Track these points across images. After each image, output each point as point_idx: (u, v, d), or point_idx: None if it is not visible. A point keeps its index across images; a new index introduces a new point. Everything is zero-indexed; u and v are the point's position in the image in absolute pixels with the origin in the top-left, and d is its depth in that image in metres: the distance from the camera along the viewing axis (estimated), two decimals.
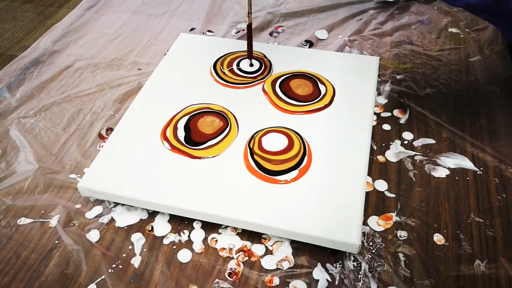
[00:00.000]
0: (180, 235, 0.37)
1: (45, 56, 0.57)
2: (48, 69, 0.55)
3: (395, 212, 0.38)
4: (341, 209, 0.36)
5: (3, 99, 0.50)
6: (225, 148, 0.41)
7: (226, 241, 0.37)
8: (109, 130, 0.46)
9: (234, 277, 0.34)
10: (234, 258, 0.35)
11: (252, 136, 0.42)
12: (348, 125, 0.43)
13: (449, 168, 0.41)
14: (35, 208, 0.39)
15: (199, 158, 0.41)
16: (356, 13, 0.61)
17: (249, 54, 0.50)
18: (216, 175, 0.39)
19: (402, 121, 0.46)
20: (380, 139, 0.44)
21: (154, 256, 0.36)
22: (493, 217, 0.37)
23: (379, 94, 0.49)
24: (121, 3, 0.67)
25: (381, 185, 0.40)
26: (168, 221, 0.38)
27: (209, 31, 0.60)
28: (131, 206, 0.39)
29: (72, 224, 0.38)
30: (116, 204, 0.40)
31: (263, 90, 0.48)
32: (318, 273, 0.34)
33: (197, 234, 0.37)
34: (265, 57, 0.52)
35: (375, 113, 0.46)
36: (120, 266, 0.35)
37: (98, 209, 0.39)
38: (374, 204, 0.39)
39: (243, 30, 0.60)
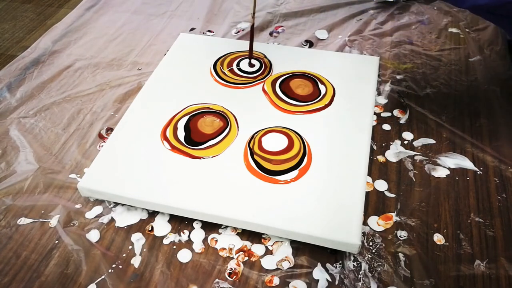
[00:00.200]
0: (180, 235, 0.37)
1: (45, 56, 0.57)
2: (48, 69, 0.55)
3: (395, 212, 0.38)
4: (341, 209, 0.36)
5: (3, 99, 0.50)
6: (225, 148, 0.41)
7: (226, 241, 0.37)
8: (109, 130, 0.46)
9: (234, 277, 0.34)
10: (234, 258, 0.35)
11: (252, 136, 0.42)
12: (348, 125, 0.43)
13: (449, 168, 0.41)
14: (35, 208, 0.39)
15: (199, 158, 0.41)
16: (356, 13, 0.61)
17: (250, 54, 0.50)
18: (216, 175, 0.39)
19: (402, 121, 0.46)
20: (380, 139, 0.44)
21: (154, 256, 0.36)
22: (493, 217, 0.37)
23: (379, 94, 0.49)
24: (121, 3, 0.67)
25: (381, 185, 0.40)
26: (168, 221, 0.38)
27: (209, 31, 0.60)
28: (131, 206, 0.39)
29: (72, 224, 0.38)
30: (116, 204, 0.40)
31: (263, 90, 0.48)
32: (318, 273, 0.34)
33: (197, 234, 0.37)
34: (265, 57, 0.52)
35: (375, 113, 0.46)
36: (120, 266, 0.35)
37: (98, 209, 0.39)
38: (374, 204, 0.39)
39: (243, 30, 0.60)
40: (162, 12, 0.65)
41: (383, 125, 0.45)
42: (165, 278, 0.34)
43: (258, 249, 0.36)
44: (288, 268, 0.35)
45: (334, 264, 0.35)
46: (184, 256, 0.36)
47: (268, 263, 0.35)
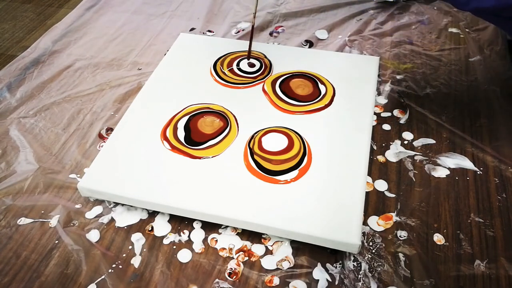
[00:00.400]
0: (180, 235, 0.37)
1: (45, 56, 0.57)
2: (48, 69, 0.55)
3: (395, 212, 0.38)
4: (341, 209, 0.36)
5: (3, 99, 0.50)
6: (225, 148, 0.41)
7: (226, 241, 0.37)
8: (109, 130, 0.46)
9: (234, 277, 0.34)
10: (234, 258, 0.35)
11: (252, 136, 0.42)
12: (348, 125, 0.43)
13: (449, 168, 0.41)
14: (35, 208, 0.39)
15: (199, 158, 0.41)
16: (356, 13, 0.61)
17: (248, 54, 0.50)
18: (216, 175, 0.39)
19: (402, 121, 0.46)
20: (380, 139, 0.44)
21: (154, 256, 0.36)
22: (493, 217, 0.37)
23: (379, 94, 0.49)
24: (121, 3, 0.67)
25: (381, 185, 0.40)
26: (168, 221, 0.38)
27: (209, 31, 0.60)
28: (131, 206, 0.39)
29: (72, 224, 0.38)
30: (116, 204, 0.40)
31: (263, 90, 0.48)
32: (318, 273, 0.34)
33: (197, 234, 0.37)
34: (265, 57, 0.52)
35: (375, 113, 0.46)
36: (120, 266, 0.35)
37: (98, 209, 0.39)
38: (374, 204, 0.39)
39: (243, 30, 0.60)
40: (162, 12, 0.65)
41: (383, 125, 0.45)
42: (165, 278, 0.34)
43: (258, 249, 0.36)
44: (288, 268, 0.35)
45: (334, 264, 0.35)
46: (184, 256, 0.36)
47: (268, 263, 0.35)
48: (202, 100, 0.46)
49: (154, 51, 0.57)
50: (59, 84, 0.52)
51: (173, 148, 0.41)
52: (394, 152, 0.43)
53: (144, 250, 0.36)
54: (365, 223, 0.37)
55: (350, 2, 0.63)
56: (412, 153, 0.42)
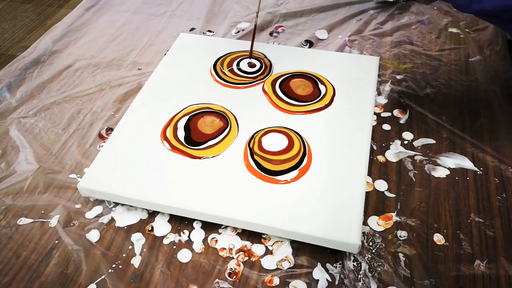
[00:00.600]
0: (180, 235, 0.37)
1: (45, 56, 0.57)
2: (48, 69, 0.55)
3: (395, 212, 0.38)
4: (341, 209, 0.36)
5: (3, 99, 0.50)
6: (225, 148, 0.41)
7: (226, 241, 0.37)
8: (109, 130, 0.46)
9: (234, 277, 0.34)
10: (234, 258, 0.35)
11: (252, 136, 0.42)
12: (348, 125, 0.43)
13: (449, 168, 0.41)
14: (35, 208, 0.39)
15: (199, 158, 0.41)
16: (356, 13, 0.61)
17: (250, 53, 0.50)
18: (216, 175, 0.39)
19: (402, 121, 0.46)
20: (380, 139, 0.44)
21: (154, 256, 0.36)
22: (493, 217, 0.37)
23: (379, 94, 0.49)
24: (121, 3, 0.67)
25: (381, 185, 0.40)
26: (168, 221, 0.38)
27: (209, 31, 0.60)
28: (131, 206, 0.39)
29: (72, 224, 0.38)
30: (116, 204, 0.40)
31: (263, 90, 0.48)
32: (318, 273, 0.34)
33: (197, 234, 0.37)
34: (265, 57, 0.52)
35: (375, 113, 0.46)
36: (120, 266, 0.35)
37: (98, 209, 0.39)
38: (374, 204, 0.39)
39: (243, 30, 0.60)
40: (162, 12, 0.65)
41: (383, 125, 0.45)
42: (165, 278, 0.34)
43: (258, 249, 0.36)
44: (288, 268, 0.35)
45: (334, 264, 0.35)
46: (184, 256, 0.36)
47: (268, 263, 0.35)
48: (202, 100, 0.46)
49: (154, 51, 0.57)
50: (59, 84, 0.52)
51: (173, 148, 0.41)
52: (394, 152, 0.43)
53: (144, 250, 0.36)
54: (365, 223, 0.37)
55: (350, 2, 0.63)
56: (412, 153, 0.42)
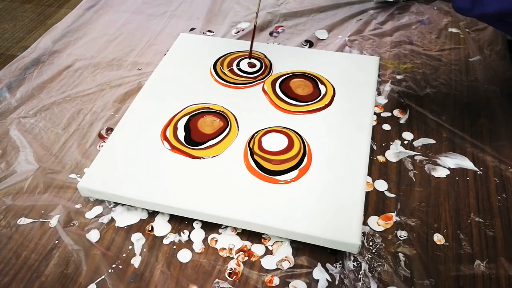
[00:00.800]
0: (180, 235, 0.37)
1: (45, 56, 0.57)
2: (48, 69, 0.55)
3: (395, 212, 0.38)
4: (341, 209, 0.36)
5: (3, 99, 0.50)
6: (225, 148, 0.41)
7: (226, 241, 0.37)
8: (109, 130, 0.46)
9: (234, 277, 0.34)
10: (234, 258, 0.35)
11: (252, 136, 0.42)
12: (348, 125, 0.43)
13: (449, 168, 0.41)
14: (35, 208, 0.39)
15: (199, 158, 0.41)
16: (356, 13, 0.61)
17: (250, 53, 0.50)
18: (216, 175, 0.39)
19: (402, 121, 0.46)
20: (380, 139, 0.44)
21: (154, 256, 0.36)
22: (493, 217, 0.37)
23: (379, 94, 0.49)
24: (121, 3, 0.67)
25: (381, 185, 0.40)
26: (168, 221, 0.38)
27: (209, 31, 0.60)
28: (131, 206, 0.39)
29: (72, 224, 0.38)
30: (116, 204, 0.40)
31: (263, 90, 0.48)
32: (318, 273, 0.34)
33: (197, 234, 0.37)
34: (265, 57, 0.52)
35: (375, 113, 0.46)
36: (120, 266, 0.35)
37: (98, 209, 0.39)
38: (374, 204, 0.39)
39: (243, 30, 0.60)
40: (162, 12, 0.65)
41: (383, 125, 0.45)
42: (165, 278, 0.34)
43: (258, 249, 0.36)
44: (288, 268, 0.35)
45: (334, 264, 0.35)
46: (184, 256, 0.36)
47: (268, 263, 0.35)
48: (202, 100, 0.46)
49: (154, 51, 0.57)
50: (59, 84, 0.52)
51: (173, 148, 0.41)
52: (394, 152, 0.43)
53: (144, 250, 0.36)
54: (365, 223, 0.37)
55: (350, 2, 0.63)
56: (412, 153, 0.42)
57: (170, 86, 0.48)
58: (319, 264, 0.35)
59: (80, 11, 0.65)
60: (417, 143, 0.43)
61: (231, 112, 0.45)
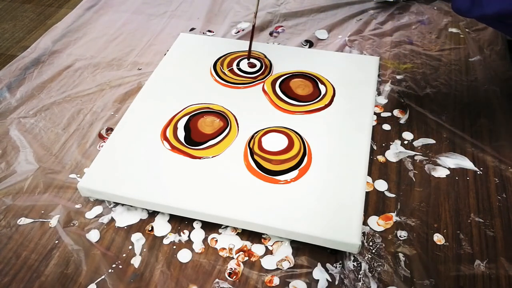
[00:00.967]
0: (180, 235, 0.37)
1: (45, 56, 0.57)
2: (48, 69, 0.55)
3: (395, 212, 0.38)
4: (341, 209, 0.36)
5: (3, 99, 0.50)
6: (225, 148, 0.41)
7: (226, 241, 0.37)
8: (109, 130, 0.46)
9: (234, 277, 0.34)
10: (234, 258, 0.35)
11: (252, 136, 0.42)
12: (348, 125, 0.43)
13: (449, 168, 0.41)
14: (35, 208, 0.39)
15: (199, 158, 0.41)
16: (356, 13, 0.61)
17: (249, 54, 0.50)
18: (216, 175, 0.39)
19: (402, 121, 0.46)
20: (380, 139, 0.44)
21: (154, 256, 0.36)
22: (493, 217, 0.37)
23: (379, 94, 0.49)
24: (121, 3, 0.67)
25: (381, 185, 0.40)
26: (168, 221, 0.38)
27: (209, 31, 0.60)
28: (131, 206, 0.39)
29: (72, 224, 0.38)
30: (116, 204, 0.40)
31: (263, 90, 0.48)
32: (318, 273, 0.34)
33: (197, 234, 0.37)
34: (265, 57, 0.52)
35: (375, 113, 0.46)
36: (120, 266, 0.35)
37: (98, 209, 0.39)
38: (374, 204, 0.39)
39: (243, 30, 0.60)
40: (162, 12, 0.65)
41: (383, 125, 0.45)
42: (165, 278, 0.34)
43: (258, 249, 0.36)
44: (288, 268, 0.35)
45: (334, 264, 0.35)
46: (184, 256, 0.36)
47: (268, 263, 0.35)
48: (202, 100, 0.46)
49: (154, 51, 0.57)
50: (59, 84, 0.52)
51: (173, 148, 0.41)
52: (394, 152, 0.43)
53: (144, 250, 0.36)
54: (365, 223, 0.37)
55: (350, 2, 0.63)
56: (412, 153, 0.42)
57: (170, 86, 0.48)
58: (319, 264, 0.35)
59: (80, 11, 0.65)
60: (417, 143, 0.43)
61: (231, 112, 0.45)
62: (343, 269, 0.34)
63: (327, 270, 0.34)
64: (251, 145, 0.41)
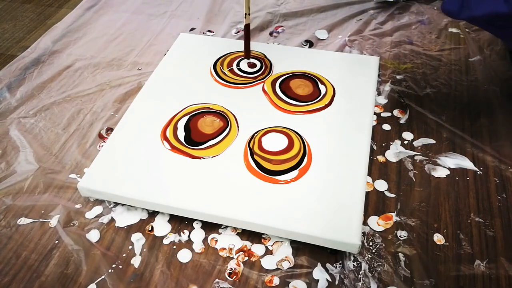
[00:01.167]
0: (180, 235, 0.37)
1: (45, 56, 0.57)
2: (48, 69, 0.55)
3: (395, 212, 0.38)
4: (341, 209, 0.36)
5: (3, 99, 0.50)
6: (225, 148, 0.41)
7: (226, 241, 0.37)
8: (109, 130, 0.46)
9: (234, 277, 0.34)
10: (234, 258, 0.35)
11: (252, 136, 0.42)
12: (348, 125, 0.43)
13: (449, 168, 0.41)
14: (35, 208, 0.39)
15: (199, 158, 0.41)
16: (356, 13, 0.62)
17: (247, 54, 0.50)
18: (216, 175, 0.39)
19: (402, 121, 0.46)
20: (380, 139, 0.44)
21: (154, 256, 0.36)
22: (493, 217, 0.37)
23: (379, 94, 0.49)
24: (121, 3, 0.67)
25: (381, 185, 0.40)
26: (168, 221, 0.38)
27: (209, 31, 0.60)
28: (131, 206, 0.39)
29: (72, 224, 0.38)
30: (116, 204, 0.40)
31: (263, 90, 0.48)
32: (318, 273, 0.34)
33: (197, 234, 0.37)
34: (265, 57, 0.52)
35: (375, 113, 0.46)
36: (120, 266, 0.35)
37: (98, 209, 0.39)
38: (374, 204, 0.39)
39: (243, 30, 0.60)
40: (162, 12, 0.65)
41: (383, 125, 0.45)
42: (165, 278, 0.34)
43: (258, 249, 0.36)
44: (288, 268, 0.35)
45: (334, 264, 0.35)
46: (184, 256, 0.36)
47: (268, 263, 0.35)
48: (202, 100, 0.46)
49: (154, 51, 0.57)
50: (59, 84, 0.52)
51: (173, 148, 0.41)
52: (394, 152, 0.43)
53: (144, 250, 0.36)
54: (365, 223, 0.37)
55: (350, 2, 0.63)
56: (412, 153, 0.42)
57: (170, 86, 0.48)
58: (319, 264, 0.35)
59: (80, 11, 0.65)
60: (417, 143, 0.43)
61: (231, 112, 0.45)
62: (343, 269, 0.34)
63: (327, 270, 0.34)
64: (251, 145, 0.41)
